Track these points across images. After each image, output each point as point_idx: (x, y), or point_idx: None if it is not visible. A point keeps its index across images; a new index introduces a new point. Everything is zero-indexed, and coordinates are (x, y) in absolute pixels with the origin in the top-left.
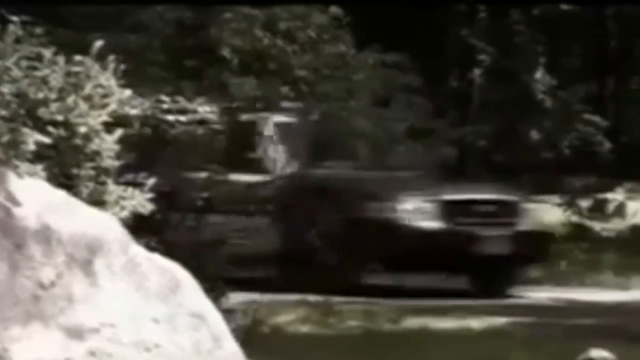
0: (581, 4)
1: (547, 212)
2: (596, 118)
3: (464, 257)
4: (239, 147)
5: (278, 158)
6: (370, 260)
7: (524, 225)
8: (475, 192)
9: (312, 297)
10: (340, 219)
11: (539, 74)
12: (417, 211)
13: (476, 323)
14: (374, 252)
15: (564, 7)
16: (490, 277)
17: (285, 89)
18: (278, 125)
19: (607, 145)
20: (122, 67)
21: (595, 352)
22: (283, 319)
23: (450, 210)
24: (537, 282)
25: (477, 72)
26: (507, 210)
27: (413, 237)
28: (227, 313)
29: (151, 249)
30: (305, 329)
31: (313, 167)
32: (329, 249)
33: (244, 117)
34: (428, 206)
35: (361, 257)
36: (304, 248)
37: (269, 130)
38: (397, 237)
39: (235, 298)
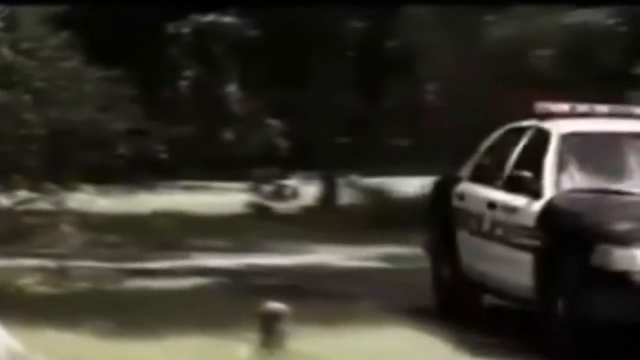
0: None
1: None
2: (276, 123)
3: None
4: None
5: (552, 179)
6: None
7: None
8: None
9: (48, 263)
10: (580, 268)
11: (232, 87)
12: None
13: (185, 283)
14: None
15: (251, 32)
16: None
17: (27, 97)
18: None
19: (285, 143)
20: None
21: (272, 305)
22: (25, 281)
23: None
24: (227, 250)
25: (184, 84)
26: None
27: None
28: None
29: None
30: (43, 289)
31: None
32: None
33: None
34: None
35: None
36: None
37: (554, 142)
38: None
39: None
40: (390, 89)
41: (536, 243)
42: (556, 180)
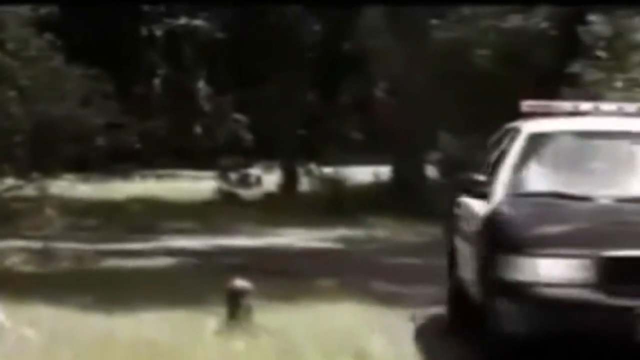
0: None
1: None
2: (241, 117)
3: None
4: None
5: (504, 181)
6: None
7: None
8: None
9: (32, 244)
10: (497, 278)
11: (200, 84)
12: (565, 273)
13: (158, 262)
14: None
15: (219, 34)
16: None
17: (13, 94)
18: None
19: (249, 136)
20: None
21: (237, 282)
22: (12, 261)
23: (611, 272)
24: (197, 232)
25: (156, 82)
26: None
27: (558, 315)
28: None
29: None
30: (28, 268)
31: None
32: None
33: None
34: (581, 265)
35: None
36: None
37: (518, 142)
38: (535, 312)
39: None
40: (345, 87)
41: (477, 249)
42: (509, 183)
